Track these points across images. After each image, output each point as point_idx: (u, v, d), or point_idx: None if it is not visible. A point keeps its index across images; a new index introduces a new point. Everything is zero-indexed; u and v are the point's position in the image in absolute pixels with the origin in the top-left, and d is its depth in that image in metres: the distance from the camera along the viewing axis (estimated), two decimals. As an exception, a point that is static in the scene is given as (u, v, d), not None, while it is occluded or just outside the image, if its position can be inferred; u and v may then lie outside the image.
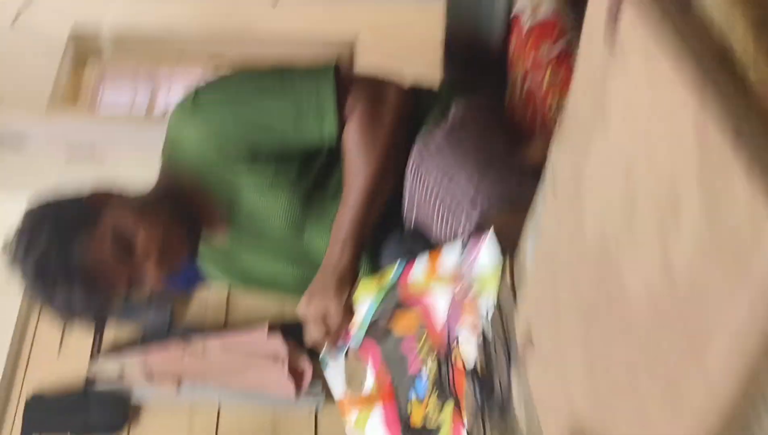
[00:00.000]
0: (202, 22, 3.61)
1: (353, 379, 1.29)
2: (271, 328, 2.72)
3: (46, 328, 2.92)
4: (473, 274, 1.02)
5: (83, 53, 3.56)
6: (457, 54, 1.40)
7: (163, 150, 1.31)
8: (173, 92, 3.62)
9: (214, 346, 2.72)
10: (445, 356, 1.08)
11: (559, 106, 1.07)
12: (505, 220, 1.00)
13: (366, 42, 3.57)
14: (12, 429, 2.70)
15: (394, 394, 1.20)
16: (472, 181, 1.05)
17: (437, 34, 3.51)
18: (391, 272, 1.15)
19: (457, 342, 1.05)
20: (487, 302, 0.98)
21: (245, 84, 1.20)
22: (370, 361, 1.24)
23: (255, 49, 3.69)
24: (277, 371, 2.62)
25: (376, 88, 1.17)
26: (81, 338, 2.89)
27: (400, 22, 3.53)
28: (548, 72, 1.14)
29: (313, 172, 1.20)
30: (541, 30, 1.18)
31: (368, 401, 1.27)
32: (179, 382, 2.68)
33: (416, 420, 1.14)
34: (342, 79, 1.15)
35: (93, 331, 2.90)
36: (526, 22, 1.19)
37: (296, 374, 2.69)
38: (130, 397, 2.70)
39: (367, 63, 3.51)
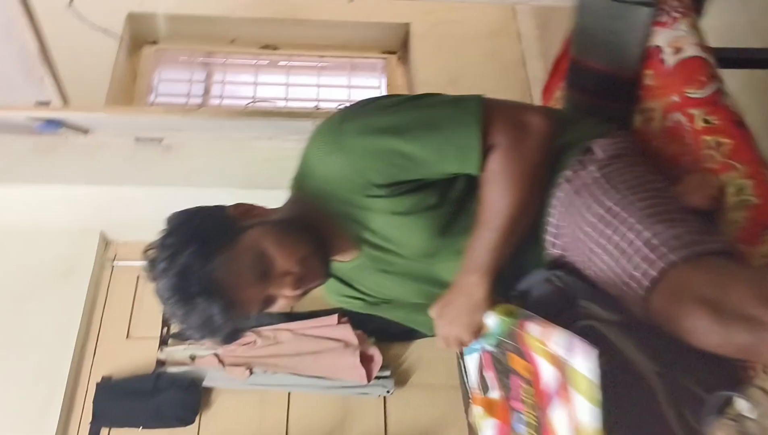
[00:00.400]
0: (254, 7, 3.62)
1: (483, 381, 1.33)
2: (340, 316, 2.77)
3: (114, 312, 2.98)
4: (570, 367, 1.05)
5: (139, 38, 3.57)
6: (581, 76, 1.39)
7: (296, 176, 1.32)
8: (228, 78, 3.63)
9: (285, 333, 2.77)
10: (541, 420, 1.13)
11: (717, 148, 1.11)
12: (686, 273, 0.98)
13: (420, 29, 3.58)
14: (82, 414, 2.75)
15: (510, 418, 1.25)
16: (644, 224, 1.04)
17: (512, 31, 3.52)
18: (518, 312, 1.17)
19: (552, 418, 1.09)
20: (582, 404, 1.01)
21: (389, 115, 1.18)
22: (491, 374, 1.29)
23: (307, 34, 3.70)
24: (349, 357, 2.67)
25: (520, 117, 1.15)
26: (150, 323, 2.95)
27: (454, 13, 3.53)
28: (701, 113, 1.16)
29: (452, 199, 1.20)
30: (689, 70, 1.20)
31: (490, 408, 1.32)
32: (250, 369, 2.73)
33: None
34: (487, 108, 1.14)
35: (162, 316, 2.97)
36: (668, 58, 1.21)
37: (367, 360, 2.75)
38: (201, 383, 2.75)
39: (420, 50, 3.53)
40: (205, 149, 2.89)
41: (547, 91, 1.82)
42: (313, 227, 1.26)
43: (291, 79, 3.62)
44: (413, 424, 2.78)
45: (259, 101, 3.53)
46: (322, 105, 3.55)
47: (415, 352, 2.90)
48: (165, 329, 2.93)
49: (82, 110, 2.70)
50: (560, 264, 1.23)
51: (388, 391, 2.78)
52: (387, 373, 2.79)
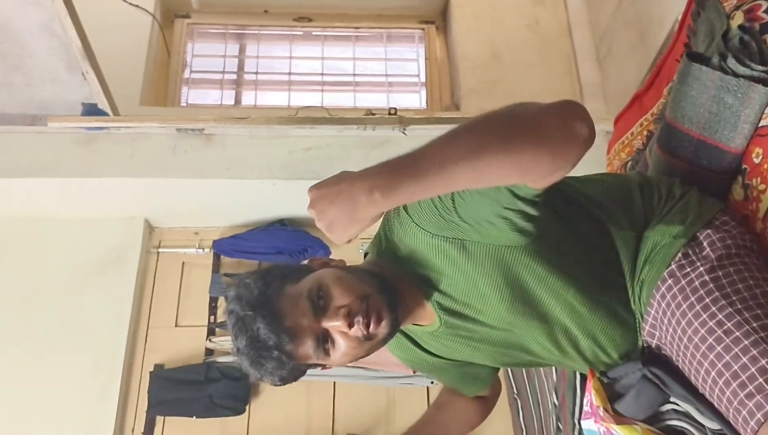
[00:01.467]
0: (287, -25, 3.50)
1: None
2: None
3: (162, 300, 3.01)
4: None
5: (170, 11, 3.48)
6: (678, 141, 1.32)
7: (376, 244, 1.28)
8: (261, 51, 3.55)
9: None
10: None
11: None
12: None
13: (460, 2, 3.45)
14: (138, 402, 2.82)
15: None
16: (760, 349, 1.00)
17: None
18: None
19: None
20: None
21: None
22: None
23: (341, 3, 3.59)
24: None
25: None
26: (197, 311, 2.99)
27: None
28: None
29: (535, 263, 1.17)
30: None
31: None
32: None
33: None
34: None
35: (208, 304, 3.00)
36: None
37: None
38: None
39: (460, 19, 3.41)
40: (246, 138, 2.86)
41: (619, 123, 1.77)
42: (387, 281, 1.19)
43: (326, 52, 3.54)
44: (458, 413, 2.84)
45: (294, 76, 3.47)
46: (359, 79, 3.49)
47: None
48: (212, 318, 2.98)
49: (130, 121, 2.67)
50: (655, 356, 1.21)
51: (432, 382, 2.83)
52: (433, 364, 2.83)
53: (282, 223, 3.05)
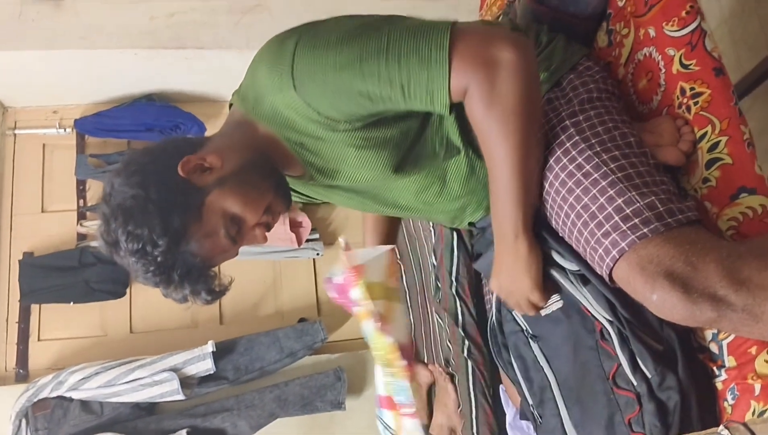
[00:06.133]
0: None
1: None
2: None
3: (25, 185, 2.81)
4: None
5: None
6: None
7: (241, 93, 1.19)
8: None
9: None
10: None
11: (693, 98, 1.06)
12: (656, 246, 0.98)
13: None
14: (9, 292, 2.69)
15: None
16: (617, 189, 1.03)
17: None
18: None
19: None
20: None
21: (349, 47, 1.06)
22: None
23: None
24: (279, 225, 2.67)
25: (490, 52, 1.03)
26: (64, 195, 2.82)
27: None
28: (679, 55, 1.09)
29: (408, 133, 1.14)
30: (670, 2, 1.10)
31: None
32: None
33: None
34: (455, 40, 1.02)
35: (76, 187, 2.83)
36: None
37: (296, 226, 2.77)
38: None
39: None
40: (100, 2, 2.60)
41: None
42: (267, 158, 1.19)
43: None
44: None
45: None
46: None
47: (342, 212, 2.92)
48: (81, 202, 2.82)
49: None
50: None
51: (318, 254, 2.84)
52: (316, 236, 2.83)
53: (150, 99, 2.86)
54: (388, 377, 1.28)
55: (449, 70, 1.02)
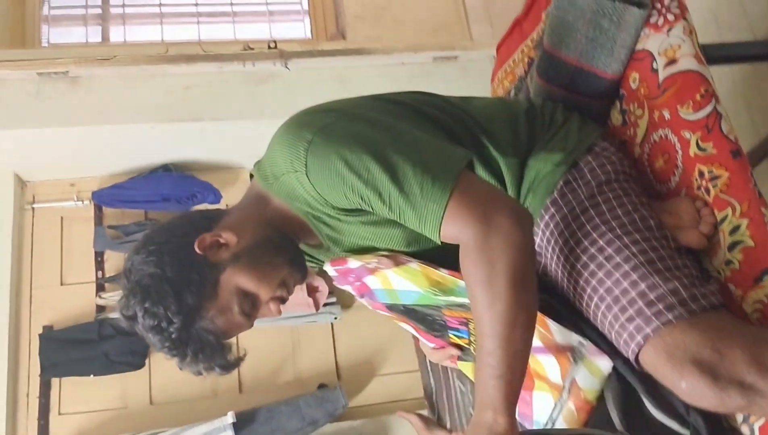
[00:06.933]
0: None
1: None
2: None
3: (44, 258, 2.84)
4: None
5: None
6: (556, 68, 1.29)
7: (260, 167, 1.22)
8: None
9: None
10: None
11: (711, 181, 1.06)
12: (682, 332, 0.97)
13: None
14: (29, 367, 2.68)
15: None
16: (639, 273, 1.02)
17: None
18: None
19: None
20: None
21: (362, 149, 1.08)
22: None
23: None
24: (298, 291, 2.68)
25: (489, 214, 1.01)
26: (82, 267, 2.84)
27: None
28: (695, 138, 1.10)
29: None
30: (683, 86, 1.12)
31: None
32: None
33: None
34: (460, 186, 1.03)
35: (94, 259, 2.86)
36: (659, 68, 1.13)
37: (312, 290, 2.77)
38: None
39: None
40: (116, 79, 2.66)
41: (501, 49, 1.74)
42: (283, 233, 1.21)
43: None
44: (361, 345, 2.87)
45: (166, 8, 3.24)
46: (237, 8, 3.30)
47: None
48: (99, 273, 2.84)
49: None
50: (541, 284, 1.21)
51: (335, 317, 2.83)
52: (333, 299, 2.83)
53: (166, 169, 2.90)
54: (449, 297, 1.22)
55: (442, 215, 1.03)
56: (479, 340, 1.02)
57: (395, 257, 1.22)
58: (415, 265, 1.21)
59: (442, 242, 1.07)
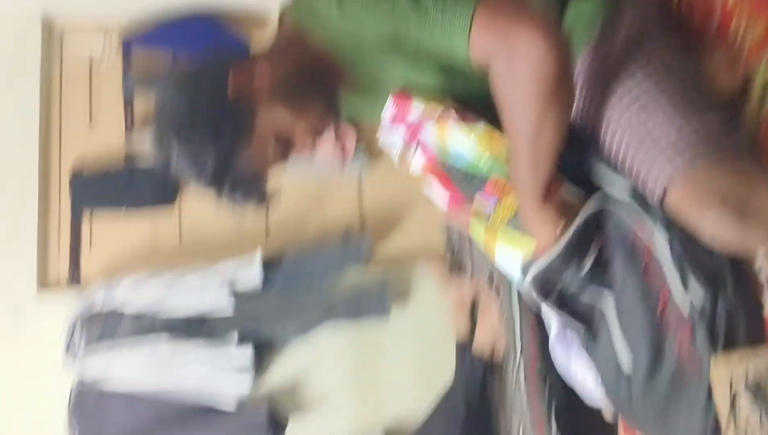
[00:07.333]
0: None
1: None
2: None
3: (73, 101, 2.85)
4: None
5: None
6: None
7: (297, 12, 1.22)
8: None
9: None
10: None
11: (746, 33, 1.06)
12: (713, 171, 1.00)
13: None
14: (60, 207, 2.73)
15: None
16: (673, 121, 1.04)
17: None
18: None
19: None
20: None
21: None
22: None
23: None
24: (327, 141, 2.69)
25: (512, 32, 0.99)
26: (111, 111, 2.85)
27: None
28: None
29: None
30: None
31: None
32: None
33: None
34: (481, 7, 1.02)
35: (123, 104, 2.86)
36: None
37: (342, 141, 2.77)
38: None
39: None
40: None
41: None
42: (317, 68, 1.22)
43: None
44: (387, 197, 2.87)
45: None
46: None
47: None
48: (129, 118, 2.85)
49: None
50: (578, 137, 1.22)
51: (363, 168, 2.84)
52: (360, 153, 2.83)
53: (197, 16, 2.88)
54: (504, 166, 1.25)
55: (468, 41, 1.04)
56: (508, 139, 1.11)
57: (463, 112, 1.22)
58: (481, 125, 1.21)
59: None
